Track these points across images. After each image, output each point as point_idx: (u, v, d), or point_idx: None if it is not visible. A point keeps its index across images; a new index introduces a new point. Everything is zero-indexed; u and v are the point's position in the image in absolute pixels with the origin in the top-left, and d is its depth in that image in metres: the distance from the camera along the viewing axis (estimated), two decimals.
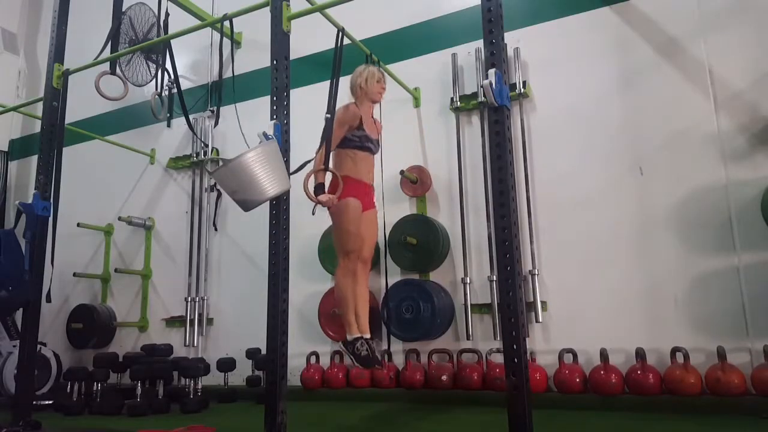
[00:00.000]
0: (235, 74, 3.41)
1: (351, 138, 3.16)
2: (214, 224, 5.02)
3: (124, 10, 4.27)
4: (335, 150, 3.13)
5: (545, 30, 4.00)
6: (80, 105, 5.41)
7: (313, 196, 2.98)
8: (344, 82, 3.18)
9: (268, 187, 2.57)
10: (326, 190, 3.06)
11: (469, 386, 3.58)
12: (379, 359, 3.14)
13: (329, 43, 3.25)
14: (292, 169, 2.89)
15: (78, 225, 5.27)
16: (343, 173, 3.11)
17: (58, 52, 3.85)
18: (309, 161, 3.02)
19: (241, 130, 2.84)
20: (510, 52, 3.94)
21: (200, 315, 4.86)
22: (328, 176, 3.07)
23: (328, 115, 3.01)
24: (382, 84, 3.33)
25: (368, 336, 3.12)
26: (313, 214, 3.14)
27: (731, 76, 3.42)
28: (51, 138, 3.71)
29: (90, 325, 5.14)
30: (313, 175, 3.00)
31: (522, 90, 3.89)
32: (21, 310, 3.53)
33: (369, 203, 3.22)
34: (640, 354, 3.24)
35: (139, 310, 5.22)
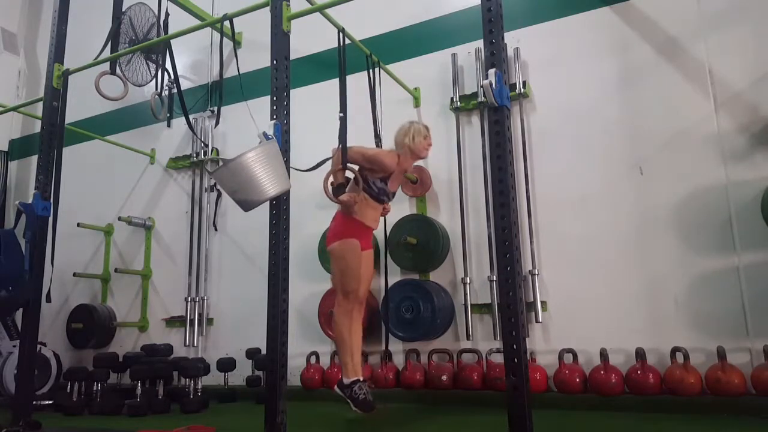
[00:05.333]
0: (234, 74, 3.41)
1: (371, 186, 3.14)
2: (214, 224, 5.02)
3: (124, 10, 4.27)
4: (353, 185, 3.12)
5: (545, 30, 4.00)
6: (80, 105, 5.41)
7: (333, 196, 2.97)
8: (349, 82, 3.17)
9: (268, 187, 2.57)
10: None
11: (469, 386, 3.58)
12: (374, 403, 3.09)
13: (329, 43, 3.25)
14: (301, 167, 2.87)
15: (78, 225, 5.28)
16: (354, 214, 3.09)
17: (58, 52, 3.84)
18: (327, 159, 3.01)
19: (254, 121, 2.83)
20: (510, 52, 3.94)
21: (200, 315, 4.86)
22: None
23: (341, 114, 3.00)
24: (429, 140, 3.31)
25: (363, 378, 3.09)
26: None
27: (731, 76, 3.42)
28: (51, 138, 3.70)
29: (90, 325, 5.14)
30: (332, 176, 2.99)
31: (522, 90, 3.89)
32: (21, 310, 3.53)
33: (367, 244, 3.22)
34: (640, 354, 3.24)
35: (139, 310, 5.22)
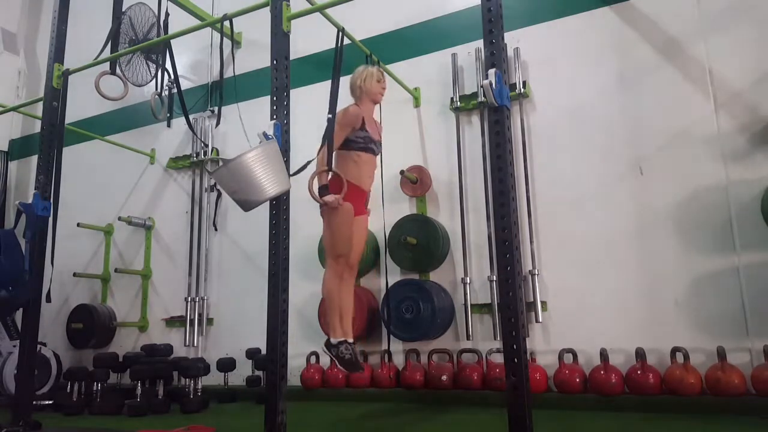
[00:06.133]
0: (235, 74, 3.41)
1: (354, 139, 3.12)
2: (214, 224, 5.02)
3: (124, 10, 4.27)
4: (338, 152, 3.12)
5: (545, 30, 4.00)
6: (80, 105, 5.41)
7: (318, 197, 2.96)
8: (345, 82, 3.18)
9: (268, 187, 2.57)
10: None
11: (469, 386, 3.58)
12: (361, 364, 3.11)
13: (329, 43, 3.25)
14: (293, 170, 2.89)
15: (78, 225, 5.28)
16: (345, 177, 3.07)
17: (58, 52, 3.85)
18: (310, 161, 3.01)
19: (243, 125, 2.83)
20: (510, 52, 3.94)
21: (200, 315, 4.86)
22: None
23: (330, 116, 2.99)
24: (382, 84, 3.29)
25: (351, 340, 3.10)
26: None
27: (731, 76, 3.42)
28: (51, 138, 3.71)
29: (90, 325, 5.14)
30: (316, 177, 2.99)
31: (522, 90, 3.89)
32: (21, 310, 3.53)
33: (361, 209, 3.20)
34: (640, 354, 3.24)
35: (139, 310, 5.22)
